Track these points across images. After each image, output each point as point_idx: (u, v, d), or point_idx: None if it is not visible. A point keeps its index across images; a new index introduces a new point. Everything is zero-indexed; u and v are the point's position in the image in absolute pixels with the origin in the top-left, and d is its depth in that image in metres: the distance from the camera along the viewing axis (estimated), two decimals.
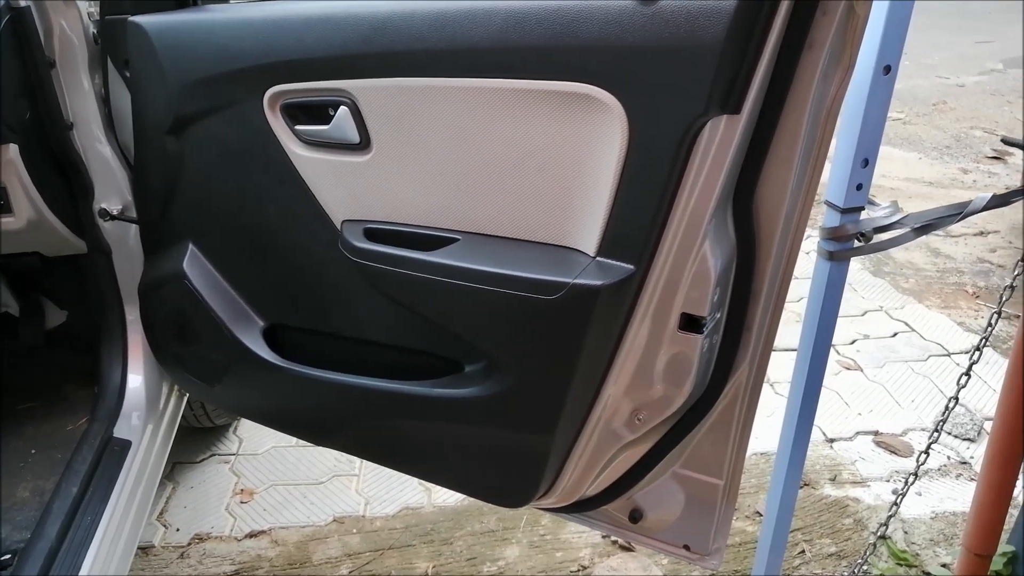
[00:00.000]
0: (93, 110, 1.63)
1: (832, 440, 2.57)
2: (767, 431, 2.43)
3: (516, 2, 1.09)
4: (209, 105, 1.40)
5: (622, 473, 1.39)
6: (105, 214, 1.70)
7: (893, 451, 2.52)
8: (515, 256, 1.20)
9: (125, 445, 1.68)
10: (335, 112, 1.28)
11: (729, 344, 1.26)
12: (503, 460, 1.34)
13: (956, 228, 4.18)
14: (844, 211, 1.25)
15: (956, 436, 2.58)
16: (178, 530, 2.18)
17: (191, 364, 1.66)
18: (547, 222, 1.19)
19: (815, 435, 2.67)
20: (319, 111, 1.31)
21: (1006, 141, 4.26)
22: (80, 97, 1.61)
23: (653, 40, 1.01)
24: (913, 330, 3.20)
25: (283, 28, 1.29)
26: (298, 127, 1.33)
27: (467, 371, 1.34)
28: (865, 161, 1.20)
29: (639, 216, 1.10)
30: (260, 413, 1.65)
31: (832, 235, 1.27)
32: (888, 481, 2.39)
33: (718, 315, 1.21)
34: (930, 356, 3.02)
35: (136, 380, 1.78)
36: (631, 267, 1.12)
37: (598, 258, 1.15)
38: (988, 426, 2.60)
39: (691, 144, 1.04)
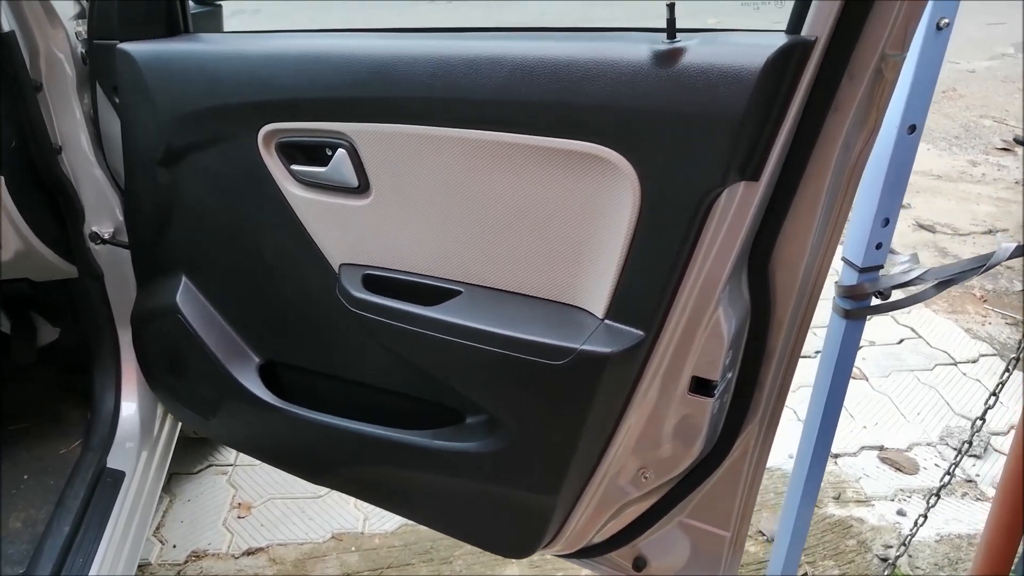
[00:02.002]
0: (83, 132, 1.57)
1: (836, 456, 2.54)
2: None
3: (524, 51, 1.03)
4: (201, 139, 1.34)
5: (628, 523, 1.36)
6: (96, 237, 1.65)
7: (898, 468, 2.49)
8: (519, 314, 1.15)
9: (119, 476, 1.65)
10: (333, 153, 1.23)
11: (740, 402, 1.21)
12: (505, 514, 1.30)
13: (965, 227, 4.13)
14: (862, 270, 1.20)
15: (966, 453, 2.54)
16: (175, 547, 2.16)
17: (185, 396, 1.62)
18: (553, 280, 1.14)
19: None
20: (316, 152, 1.26)
21: (1019, 140, 4.17)
22: (69, 119, 1.55)
23: (670, 103, 0.95)
24: (920, 336, 3.16)
25: (278, 65, 1.23)
26: (294, 167, 1.28)
27: (468, 422, 1.30)
28: (886, 220, 1.15)
29: (650, 282, 1.05)
30: (256, 449, 1.61)
31: (849, 294, 1.22)
32: (893, 500, 2.37)
33: (729, 375, 1.17)
34: (936, 365, 2.98)
35: (130, 407, 1.74)
36: (641, 333, 1.08)
37: (606, 321, 1.10)
38: (995, 442, 2.57)
39: (707, 212, 0.99)
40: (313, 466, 1.52)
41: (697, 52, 0.93)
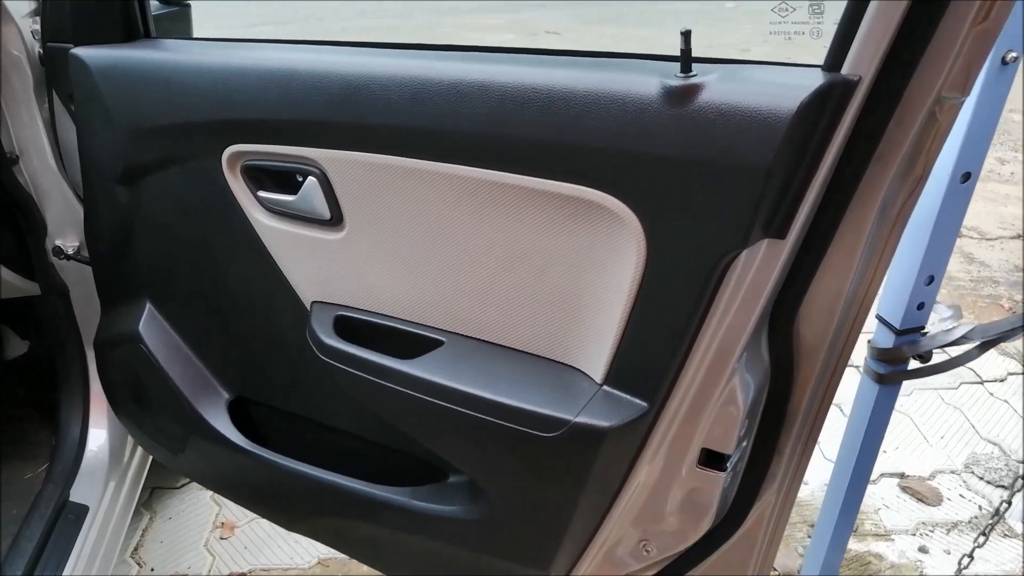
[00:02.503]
0: (42, 139, 1.44)
1: None
2: None
3: (515, 78, 0.89)
4: (161, 157, 1.21)
5: None
6: (60, 252, 1.52)
7: (920, 498, 2.34)
8: (508, 373, 1.01)
9: (81, 512, 1.53)
10: (303, 180, 1.09)
11: (756, 470, 1.08)
12: None
13: (992, 230, 3.95)
14: (901, 332, 1.05)
15: (989, 482, 2.40)
16: (152, 570, 2.05)
17: (150, 429, 1.50)
18: (545, 336, 1.00)
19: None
20: (285, 178, 1.12)
21: None
22: (26, 126, 1.42)
23: (682, 149, 0.80)
24: (944, 352, 3.00)
25: (242, 80, 1.09)
26: (261, 193, 1.14)
27: (452, 481, 1.18)
28: (931, 278, 1.00)
29: (656, 347, 0.91)
30: (225, 489, 1.49)
31: (884, 357, 1.08)
32: (914, 535, 2.23)
33: (744, 443, 1.03)
34: (961, 383, 2.83)
35: (99, 435, 1.62)
36: (644, 404, 0.94)
37: (605, 387, 0.96)
38: None
39: (723, 273, 0.85)
40: (286, 513, 1.40)
41: (716, 90, 0.78)
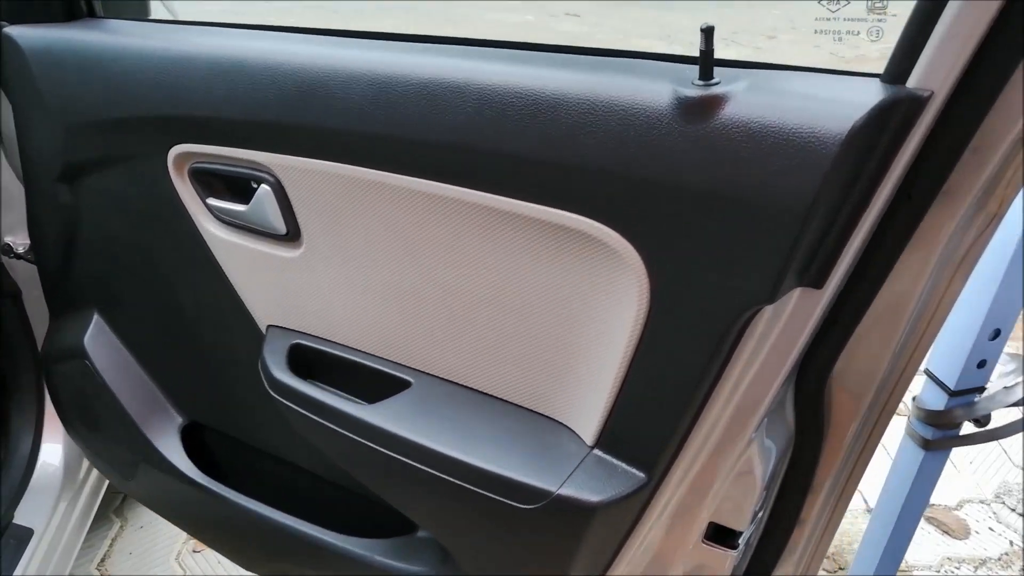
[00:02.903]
0: None
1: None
2: None
3: (497, 79, 0.72)
4: (104, 155, 1.06)
5: None
6: (9, 250, 1.38)
7: (946, 531, 2.18)
8: (482, 426, 0.86)
9: (24, 536, 1.40)
10: (257, 187, 0.94)
11: (774, 541, 0.92)
12: None
13: None
14: (956, 392, 0.89)
15: (1021, 514, 2.23)
16: None
17: (100, 450, 1.36)
18: (527, 384, 0.85)
19: (856, 503, 2.34)
20: (238, 184, 0.97)
21: None
22: None
23: (700, 177, 0.64)
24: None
25: (189, 71, 0.93)
26: (212, 201, 0.99)
27: (420, 536, 1.03)
28: (996, 332, 0.83)
29: (659, 409, 0.75)
30: (180, 521, 1.35)
31: (934, 420, 0.91)
32: (939, 572, 2.07)
33: (760, 515, 0.87)
34: None
35: (52, 450, 1.48)
36: (642, 475, 0.78)
37: (596, 451, 0.81)
38: None
39: (744, 326, 0.69)
40: (240, 553, 1.26)
41: (744, 103, 0.62)
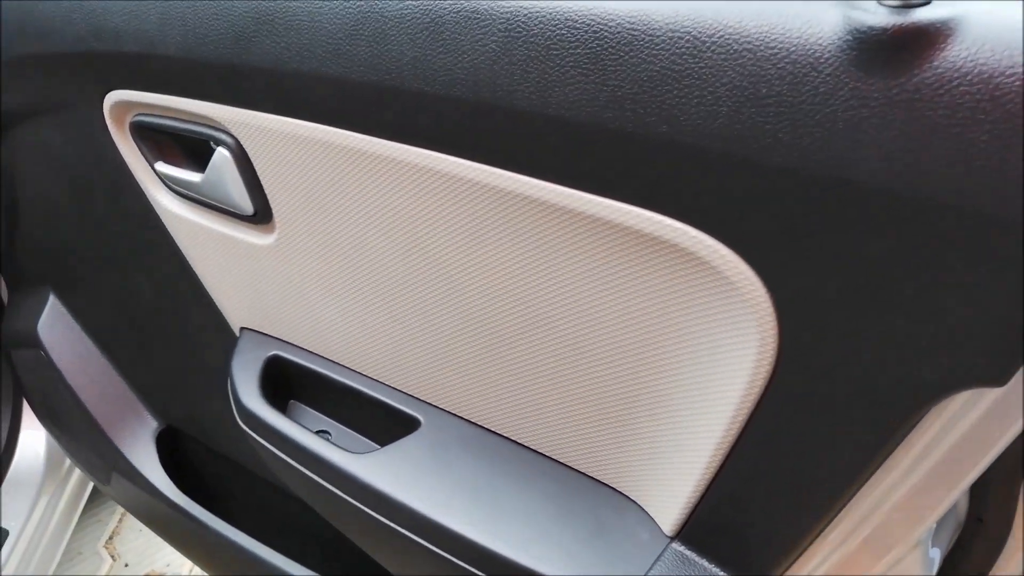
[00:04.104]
0: None
1: None
2: None
3: (541, 5, 0.45)
4: (26, 102, 0.82)
5: None
6: None
7: None
8: (518, 494, 0.62)
9: None
10: (214, 151, 0.69)
11: None
12: None
13: None
14: None
15: None
16: (127, 565, 1.77)
17: (73, 451, 1.16)
18: (584, 438, 0.60)
19: None
20: (188, 145, 0.72)
21: None
22: None
23: (894, 173, 0.37)
24: None
25: None
26: (161, 167, 0.74)
27: None
28: None
29: (778, 504, 0.50)
30: (165, 538, 1.15)
31: None
32: None
33: None
34: None
35: (35, 438, 1.29)
36: None
37: (677, 544, 0.56)
38: None
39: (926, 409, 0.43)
40: None
41: (976, 43, 0.34)
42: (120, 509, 1.89)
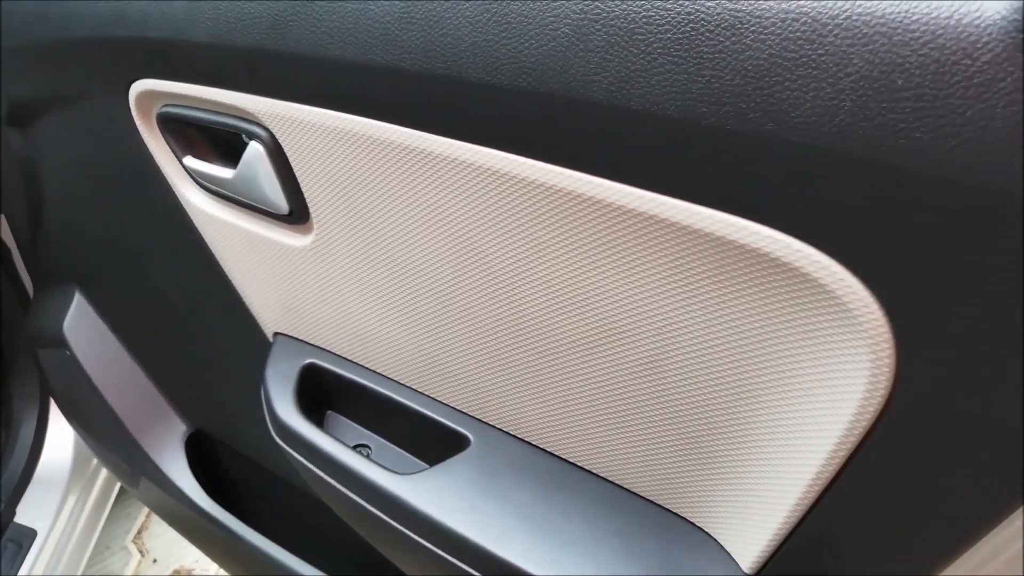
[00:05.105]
0: None
1: None
2: None
3: None
4: (50, 93, 0.77)
5: None
6: None
7: None
8: (580, 521, 0.57)
9: (26, 537, 1.19)
10: (247, 145, 0.64)
11: None
12: None
13: None
14: None
15: None
16: (155, 561, 1.75)
17: (100, 453, 1.13)
18: (655, 464, 0.55)
19: None
20: (220, 139, 0.67)
21: None
22: None
23: None
24: None
25: None
26: (190, 162, 0.69)
27: None
28: None
29: (880, 550, 0.44)
30: (194, 543, 1.12)
31: None
32: None
33: None
34: None
35: (60, 439, 1.26)
36: None
37: None
38: None
39: None
40: None
41: None
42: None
